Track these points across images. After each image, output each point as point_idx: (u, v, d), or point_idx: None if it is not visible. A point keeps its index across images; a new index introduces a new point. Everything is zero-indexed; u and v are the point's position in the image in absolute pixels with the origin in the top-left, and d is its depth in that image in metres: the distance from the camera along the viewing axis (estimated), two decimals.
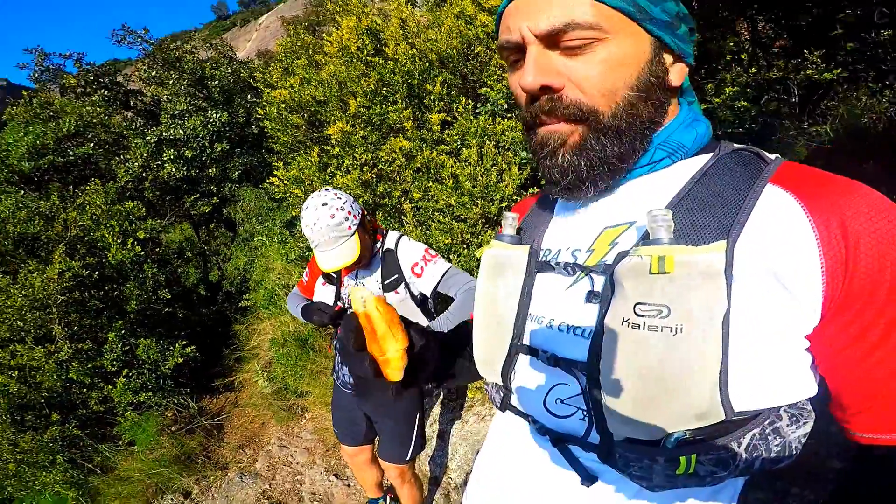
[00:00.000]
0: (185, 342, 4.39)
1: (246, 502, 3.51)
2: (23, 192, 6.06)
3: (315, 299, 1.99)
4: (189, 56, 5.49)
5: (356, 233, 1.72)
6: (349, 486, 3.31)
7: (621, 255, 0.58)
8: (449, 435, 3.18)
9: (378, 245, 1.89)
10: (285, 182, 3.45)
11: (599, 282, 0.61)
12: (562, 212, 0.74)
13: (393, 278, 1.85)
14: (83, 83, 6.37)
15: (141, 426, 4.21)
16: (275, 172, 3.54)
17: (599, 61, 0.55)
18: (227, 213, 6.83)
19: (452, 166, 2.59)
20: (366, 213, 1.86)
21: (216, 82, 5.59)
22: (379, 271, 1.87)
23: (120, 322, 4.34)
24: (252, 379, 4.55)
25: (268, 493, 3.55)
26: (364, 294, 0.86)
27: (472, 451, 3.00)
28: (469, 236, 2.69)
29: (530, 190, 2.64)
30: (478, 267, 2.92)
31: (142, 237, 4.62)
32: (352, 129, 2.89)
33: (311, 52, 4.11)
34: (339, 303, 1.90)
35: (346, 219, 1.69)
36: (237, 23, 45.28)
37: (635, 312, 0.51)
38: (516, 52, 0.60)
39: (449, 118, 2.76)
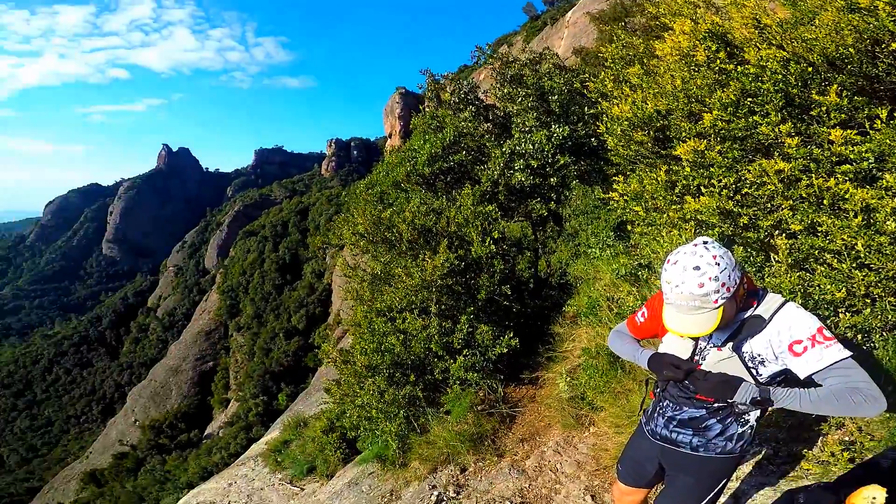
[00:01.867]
0: (511, 333, 4.89)
1: (504, 494, 3.66)
2: (423, 191, 8.18)
3: (663, 349, 1.86)
4: (528, 72, 6.05)
5: (722, 306, 1.50)
6: None
7: None
8: (748, 498, 2.70)
9: (747, 313, 1.62)
10: (625, 198, 3.39)
11: None
12: None
13: (735, 340, 1.63)
14: (456, 100, 7.97)
15: (459, 400, 4.83)
16: (614, 186, 3.52)
17: None
18: (557, 209, 7.32)
19: (864, 196, 1.91)
20: (745, 277, 1.60)
21: (555, 97, 5.96)
22: (730, 332, 1.65)
23: (472, 308, 5.07)
24: (555, 380, 4.66)
25: (524, 493, 3.61)
26: (878, 496, 0.80)
27: None
28: (879, 291, 1.95)
29: None
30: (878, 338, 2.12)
31: (496, 237, 5.42)
32: (706, 147, 2.53)
33: (644, 59, 3.75)
34: (697, 359, 1.73)
35: (717, 291, 1.47)
36: (547, 22, 46.12)
37: None
38: None
39: (854, 135, 2.01)
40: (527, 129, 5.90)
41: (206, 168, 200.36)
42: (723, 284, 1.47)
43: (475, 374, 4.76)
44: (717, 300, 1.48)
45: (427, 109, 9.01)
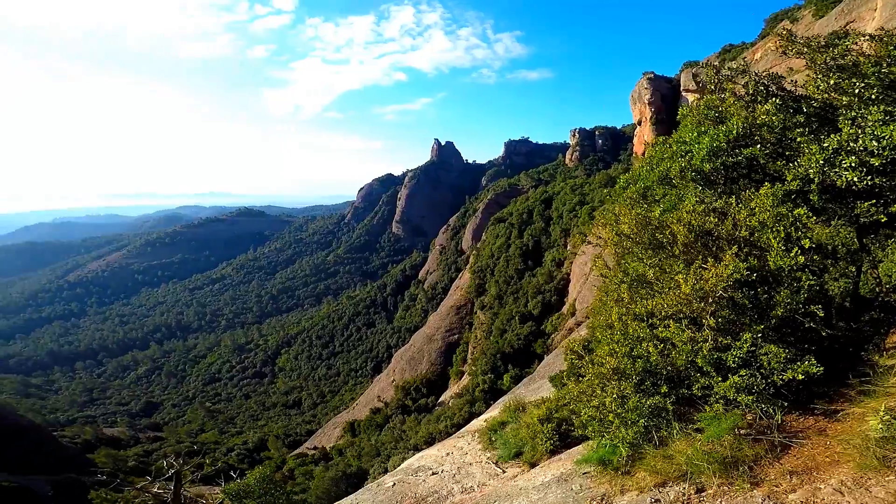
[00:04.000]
0: (811, 359, 4.16)
1: None
2: (701, 189, 7.41)
3: None
4: (864, 59, 4.67)
5: None
6: None
7: None
8: None
9: None
10: None
11: None
12: None
13: None
14: (752, 92, 6.87)
15: (718, 420, 4.36)
16: None
17: None
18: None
19: None
20: None
21: None
22: None
23: (761, 326, 4.45)
24: (864, 416, 4.02)
25: None
26: None
27: None
28: None
29: None
30: None
31: (806, 246, 4.58)
32: None
33: None
34: None
35: None
36: None
37: None
38: None
39: None
40: (868, 123, 4.72)
41: (466, 159, 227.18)
42: None
43: (749, 397, 4.30)
44: None
45: (694, 99, 8.19)
